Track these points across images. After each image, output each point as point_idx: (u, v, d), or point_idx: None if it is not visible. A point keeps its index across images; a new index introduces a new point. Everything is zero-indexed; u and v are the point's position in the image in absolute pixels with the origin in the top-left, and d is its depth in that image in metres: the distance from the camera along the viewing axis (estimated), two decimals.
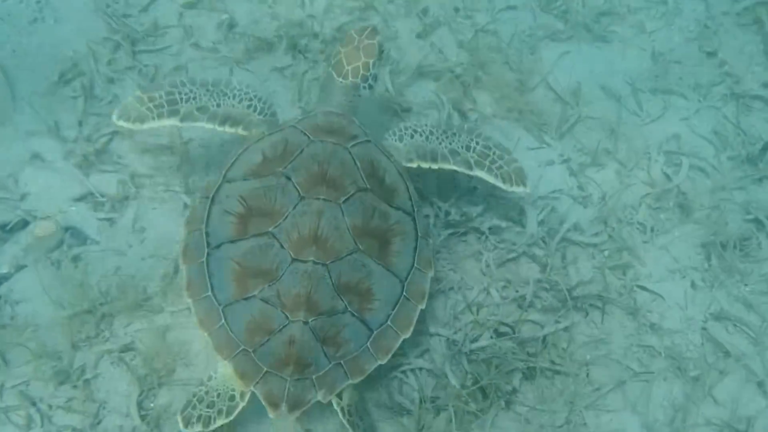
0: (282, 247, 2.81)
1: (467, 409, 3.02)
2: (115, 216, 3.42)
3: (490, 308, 3.37)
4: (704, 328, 3.47)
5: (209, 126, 3.20)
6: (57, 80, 3.78)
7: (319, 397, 2.73)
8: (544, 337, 3.29)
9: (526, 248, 3.53)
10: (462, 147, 3.38)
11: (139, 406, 2.94)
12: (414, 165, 3.30)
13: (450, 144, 3.37)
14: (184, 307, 3.15)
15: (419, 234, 3.12)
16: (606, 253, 3.64)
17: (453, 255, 3.50)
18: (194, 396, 2.78)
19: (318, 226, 2.83)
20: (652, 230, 3.75)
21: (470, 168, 3.34)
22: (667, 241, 3.74)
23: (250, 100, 3.27)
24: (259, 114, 3.27)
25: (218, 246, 2.88)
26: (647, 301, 3.52)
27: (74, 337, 3.06)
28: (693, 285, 3.61)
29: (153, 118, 3.17)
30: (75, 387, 2.96)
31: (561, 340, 3.31)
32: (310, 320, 2.72)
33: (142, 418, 2.91)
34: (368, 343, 2.84)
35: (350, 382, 2.79)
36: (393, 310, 2.93)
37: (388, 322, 2.90)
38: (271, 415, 2.68)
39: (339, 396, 2.81)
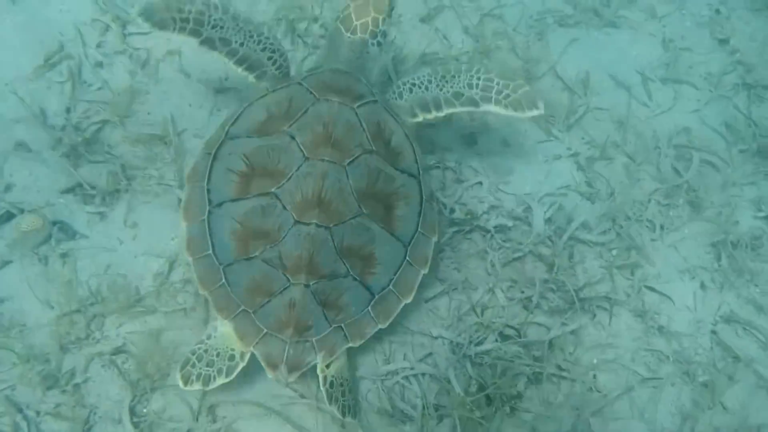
0: (285, 208, 2.78)
1: (471, 416, 2.93)
2: (106, 210, 3.26)
3: (495, 310, 3.27)
4: (714, 332, 3.38)
5: (225, 60, 3.10)
6: (42, 64, 3.56)
7: (319, 359, 2.73)
8: (551, 341, 3.19)
9: (533, 247, 3.42)
10: (464, 86, 3.25)
11: (132, 411, 2.82)
12: (420, 119, 3.24)
13: (451, 87, 3.25)
14: (178, 307, 3.04)
15: (424, 198, 3.09)
16: (614, 252, 3.53)
17: (457, 253, 3.38)
18: (193, 354, 2.76)
19: (322, 188, 2.79)
20: (661, 228, 3.64)
21: (477, 105, 3.22)
22: (677, 239, 3.64)
23: (273, 52, 3.17)
24: (276, 69, 3.19)
25: (220, 204, 2.85)
26: (655, 303, 3.42)
27: (63, 339, 2.92)
28: (702, 286, 3.51)
29: (174, 29, 3.01)
30: (64, 392, 2.84)
31: (567, 344, 3.22)
32: (311, 283, 2.72)
33: (135, 425, 2.79)
34: (369, 307, 2.85)
35: (350, 345, 2.80)
36: (395, 274, 2.92)
37: (390, 287, 2.90)
38: (269, 376, 2.69)
39: (327, 365, 2.79)
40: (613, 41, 4.37)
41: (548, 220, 3.51)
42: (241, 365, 2.73)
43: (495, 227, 3.43)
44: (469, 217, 3.41)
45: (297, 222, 2.76)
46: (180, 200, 3.26)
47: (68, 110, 3.48)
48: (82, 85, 3.58)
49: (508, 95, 3.21)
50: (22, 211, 3.18)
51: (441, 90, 3.25)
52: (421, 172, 3.13)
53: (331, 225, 2.78)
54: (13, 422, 2.73)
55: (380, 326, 2.86)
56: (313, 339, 2.72)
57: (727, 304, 3.46)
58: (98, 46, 3.71)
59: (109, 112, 3.47)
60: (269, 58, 3.17)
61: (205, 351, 2.76)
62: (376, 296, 2.87)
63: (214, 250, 2.79)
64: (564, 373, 3.13)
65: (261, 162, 2.88)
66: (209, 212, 2.84)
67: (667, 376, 3.22)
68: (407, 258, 2.96)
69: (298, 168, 2.84)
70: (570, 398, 3.09)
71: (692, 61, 4.37)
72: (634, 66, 4.26)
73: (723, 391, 3.20)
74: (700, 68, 4.35)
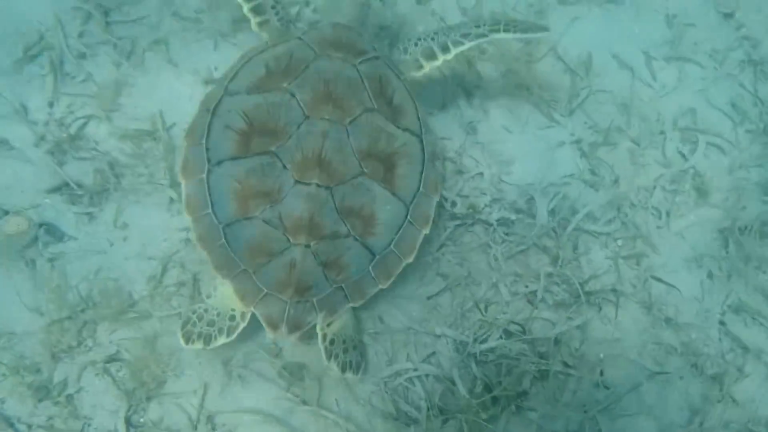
0: (285, 167, 2.76)
1: (477, 418, 2.86)
2: (94, 210, 3.14)
3: (499, 305, 3.19)
4: (722, 322, 3.32)
5: None
6: (22, 56, 3.40)
7: (319, 319, 2.71)
8: (556, 337, 3.11)
9: (536, 239, 3.32)
10: (471, 28, 3.21)
11: (128, 422, 2.76)
12: (426, 69, 3.23)
13: (459, 31, 3.21)
14: (173, 312, 2.95)
15: (426, 157, 3.05)
16: (619, 242, 3.44)
17: (460, 248, 3.28)
18: (193, 313, 2.75)
19: (322, 148, 2.77)
20: (667, 215, 3.55)
21: (486, 36, 3.18)
22: (683, 226, 3.55)
23: (277, 2, 3.20)
24: (278, 20, 3.19)
25: (219, 163, 2.80)
26: (662, 294, 3.34)
27: (54, 348, 2.83)
28: (710, 275, 3.44)
29: None
30: (56, 403, 2.76)
31: (573, 339, 3.14)
32: (311, 244, 2.70)
33: None
34: (370, 267, 2.82)
35: (351, 305, 2.78)
36: (396, 234, 2.90)
37: (391, 247, 2.88)
38: (270, 336, 2.68)
39: (328, 324, 2.78)
40: (616, 18, 4.21)
41: (551, 211, 3.41)
42: (242, 325, 2.72)
43: (497, 220, 3.32)
44: (471, 211, 3.31)
45: (297, 182, 2.73)
46: (171, 199, 3.16)
47: (51, 104, 3.34)
48: (64, 77, 3.42)
49: (516, 25, 3.18)
50: (6, 212, 3.06)
51: (448, 37, 3.21)
52: (423, 130, 3.09)
53: (331, 185, 2.75)
54: None
55: (381, 286, 2.84)
56: (314, 299, 2.70)
57: (735, 293, 3.39)
58: (80, 35, 3.52)
59: (94, 105, 3.33)
60: (272, 7, 3.18)
61: (205, 311, 2.74)
62: (377, 256, 2.84)
63: (213, 209, 2.74)
64: (570, 370, 3.06)
65: (261, 120, 2.84)
66: (208, 171, 2.79)
67: (676, 369, 3.16)
68: (408, 218, 2.93)
69: (299, 127, 2.81)
70: (577, 395, 3.03)
71: (697, 37, 4.22)
72: (638, 44, 4.11)
73: (732, 384, 3.14)
74: (705, 45, 4.20)
